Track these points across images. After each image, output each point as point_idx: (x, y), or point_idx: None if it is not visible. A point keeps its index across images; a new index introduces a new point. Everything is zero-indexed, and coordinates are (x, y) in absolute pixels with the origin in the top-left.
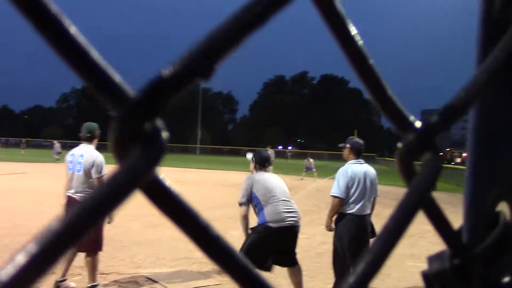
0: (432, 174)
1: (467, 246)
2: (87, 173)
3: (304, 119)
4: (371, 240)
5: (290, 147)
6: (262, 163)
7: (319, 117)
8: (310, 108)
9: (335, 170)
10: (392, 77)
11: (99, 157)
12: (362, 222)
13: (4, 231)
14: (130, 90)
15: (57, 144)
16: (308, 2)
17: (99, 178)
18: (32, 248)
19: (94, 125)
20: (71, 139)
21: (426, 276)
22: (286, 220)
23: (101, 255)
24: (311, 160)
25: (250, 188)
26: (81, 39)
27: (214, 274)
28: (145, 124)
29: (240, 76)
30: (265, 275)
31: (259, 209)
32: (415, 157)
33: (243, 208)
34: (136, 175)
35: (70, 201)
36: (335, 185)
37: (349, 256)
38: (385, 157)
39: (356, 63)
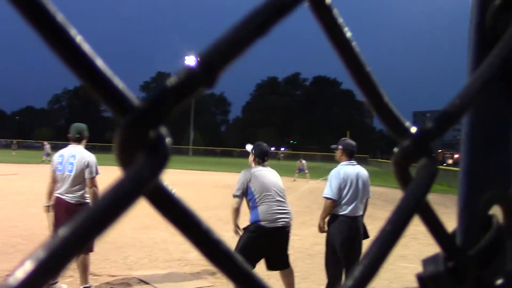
0: (428, 179)
1: (461, 249)
2: (80, 174)
3: (297, 120)
4: (364, 242)
5: (282, 148)
6: (261, 156)
7: (311, 118)
8: (303, 110)
9: (328, 171)
10: (384, 79)
11: (91, 157)
12: (354, 224)
13: None
14: (135, 98)
15: (47, 146)
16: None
17: (92, 179)
18: (40, 254)
19: (82, 125)
20: (63, 140)
21: (421, 278)
22: (279, 220)
23: (93, 256)
24: (304, 161)
25: (247, 182)
26: (87, 48)
27: (207, 275)
28: (150, 132)
29: (232, 77)
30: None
31: (252, 206)
32: (411, 162)
33: (237, 200)
34: (142, 182)
35: (59, 202)
36: (328, 187)
37: (342, 257)
38: (378, 158)
39: (354, 71)
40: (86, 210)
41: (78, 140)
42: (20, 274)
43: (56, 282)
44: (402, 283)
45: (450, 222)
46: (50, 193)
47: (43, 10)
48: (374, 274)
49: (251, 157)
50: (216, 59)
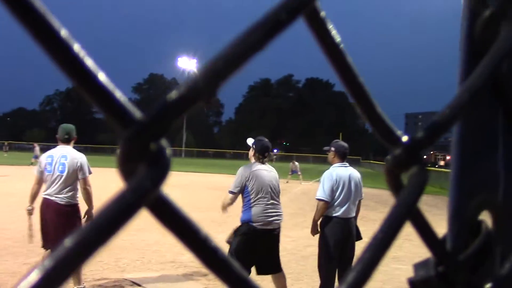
0: (419, 187)
1: (451, 254)
2: (72, 174)
3: (289, 122)
4: (357, 243)
5: (275, 150)
6: (262, 152)
7: (304, 120)
8: (295, 111)
9: (320, 173)
10: (376, 81)
11: (83, 157)
12: (347, 225)
13: None
14: (136, 111)
15: (37, 147)
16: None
17: (85, 179)
18: (46, 264)
19: (71, 126)
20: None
21: (412, 283)
22: (271, 223)
23: None
24: (297, 163)
25: (246, 181)
26: (90, 63)
27: (200, 277)
28: (151, 145)
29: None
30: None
31: (246, 206)
32: (402, 170)
33: (231, 197)
34: (143, 193)
35: (48, 204)
36: (320, 188)
37: (335, 259)
38: (370, 160)
39: (347, 82)
40: (91, 222)
41: (66, 141)
42: (25, 286)
43: None
44: (395, 285)
45: (442, 223)
46: (35, 195)
47: (48, 27)
48: (366, 279)
49: (251, 152)
50: (215, 74)
